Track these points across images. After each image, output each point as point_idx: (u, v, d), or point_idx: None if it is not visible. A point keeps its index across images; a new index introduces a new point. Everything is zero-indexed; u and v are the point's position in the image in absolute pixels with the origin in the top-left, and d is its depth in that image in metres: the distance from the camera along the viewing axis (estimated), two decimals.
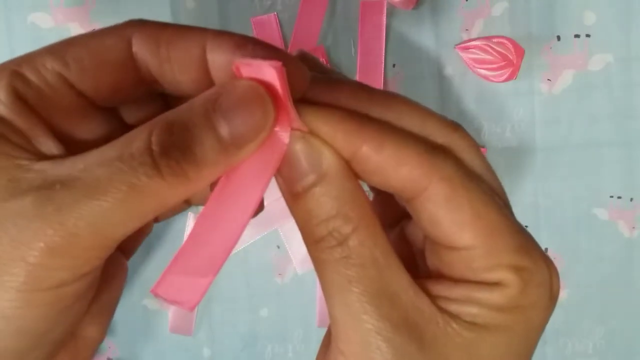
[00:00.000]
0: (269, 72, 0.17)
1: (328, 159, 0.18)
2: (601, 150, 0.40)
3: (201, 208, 0.19)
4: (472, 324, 0.18)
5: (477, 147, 0.19)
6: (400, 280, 0.18)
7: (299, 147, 0.18)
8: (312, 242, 0.19)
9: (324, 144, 0.18)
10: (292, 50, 0.40)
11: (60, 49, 0.19)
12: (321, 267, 0.19)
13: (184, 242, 0.18)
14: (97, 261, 0.18)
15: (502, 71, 0.38)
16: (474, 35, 0.40)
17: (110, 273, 0.23)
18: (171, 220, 0.42)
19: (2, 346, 0.17)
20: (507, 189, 0.20)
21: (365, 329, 0.18)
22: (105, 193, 0.16)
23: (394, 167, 0.18)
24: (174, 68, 0.19)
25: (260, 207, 0.21)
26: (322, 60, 0.39)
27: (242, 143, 0.17)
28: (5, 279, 0.16)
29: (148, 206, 0.17)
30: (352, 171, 0.18)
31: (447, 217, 0.18)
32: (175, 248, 0.42)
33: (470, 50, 0.39)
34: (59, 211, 0.16)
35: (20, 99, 0.18)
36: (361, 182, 0.19)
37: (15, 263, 0.16)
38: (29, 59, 0.18)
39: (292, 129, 0.18)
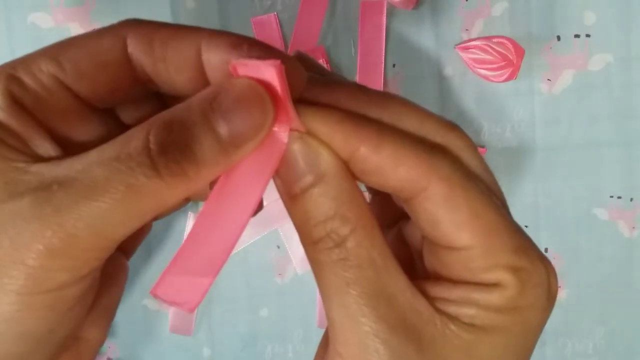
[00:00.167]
0: (267, 71, 0.17)
1: (326, 160, 0.18)
2: (601, 150, 0.40)
3: (201, 204, 0.19)
4: (470, 325, 0.18)
5: (474, 147, 0.19)
6: (397, 281, 0.18)
7: (297, 148, 0.18)
8: (310, 243, 0.19)
9: (321, 145, 0.18)
10: (292, 50, 0.40)
11: (56, 52, 0.19)
12: (318, 269, 0.19)
13: (183, 242, 0.18)
14: (97, 262, 0.18)
15: (502, 71, 0.38)
16: (474, 35, 0.40)
17: (110, 274, 0.22)
18: (171, 220, 0.42)
19: (3, 350, 0.17)
20: (507, 189, 0.20)
21: (362, 331, 0.18)
22: (104, 194, 0.16)
23: (392, 168, 0.18)
24: (169, 68, 0.19)
25: (260, 207, 0.21)
26: (322, 60, 0.39)
27: (241, 142, 0.17)
28: (5, 282, 0.16)
29: (147, 206, 0.17)
30: (350, 172, 0.18)
31: (446, 217, 0.18)
32: (176, 248, 0.42)
33: (470, 50, 0.39)
34: (58, 212, 0.16)
35: (16, 102, 0.18)
36: (359, 183, 0.19)
37: (14, 265, 0.16)
38: (24, 62, 0.18)
39: (290, 129, 0.18)
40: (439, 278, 0.19)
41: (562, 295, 0.41)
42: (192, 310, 0.18)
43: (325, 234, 0.18)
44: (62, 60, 0.18)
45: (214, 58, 0.18)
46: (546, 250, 0.41)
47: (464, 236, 0.18)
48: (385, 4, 0.39)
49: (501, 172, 0.40)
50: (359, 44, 0.40)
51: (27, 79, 0.18)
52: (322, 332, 0.21)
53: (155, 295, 0.18)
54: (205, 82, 0.19)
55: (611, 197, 0.40)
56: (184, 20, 0.40)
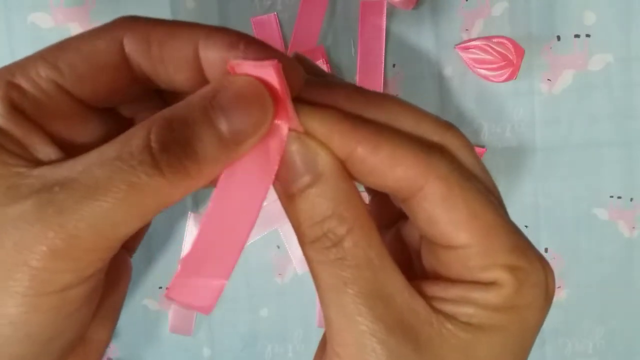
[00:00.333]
0: (265, 69, 0.17)
1: (324, 160, 0.18)
2: (601, 150, 0.40)
3: (203, 205, 0.19)
4: (467, 325, 0.18)
5: (471, 146, 0.19)
6: (395, 281, 0.18)
7: (295, 148, 0.18)
8: (307, 243, 0.19)
9: (319, 145, 0.18)
10: (292, 50, 0.40)
11: (53, 55, 0.19)
12: (316, 269, 0.19)
13: (192, 242, 0.18)
14: (100, 263, 0.18)
15: (502, 71, 0.38)
16: (474, 35, 0.40)
17: (115, 274, 0.22)
18: (171, 220, 0.42)
19: (10, 352, 0.17)
20: (507, 189, 0.20)
21: (360, 331, 0.18)
22: (105, 193, 0.16)
23: (390, 168, 0.18)
24: (167, 68, 0.19)
25: None
26: (322, 60, 0.39)
27: (242, 139, 0.17)
28: (10, 284, 0.16)
29: (149, 205, 0.17)
30: (347, 172, 0.18)
31: (444, 216, 0.18)
32: (176, 248, 0.42)
33: (470, 50, 0.39)
34: (60, 213, 0.16)
35: (16, 109, 0.18)
36: (357, 184, 0.19)
37: (18, 268, 0.16)
38: (22, 67, 0.18)
39: (289, 129, 0.18)
40: (436, 277, 0.19)
41: (562, 295, 0.41)
42: (208, 312, 0.18)
43: (323, 233, 0.18)
44: (60, 64, 0.18)
45: (211, 57, 0.18)
46: (546, 250, 0.41)
47: (462, 235, 0.18)
48: (385, 4, 0.39)
49: (501, 172, 0.40)
50: (359, 44, 0.40)
51: (26, 85, 0.18)
52: (322, 332, 0.21)
53: (170, 298, 0.18)
54: (204, 80, 0.19)
55: (611, 197, 0.40)
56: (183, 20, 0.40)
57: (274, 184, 0.19)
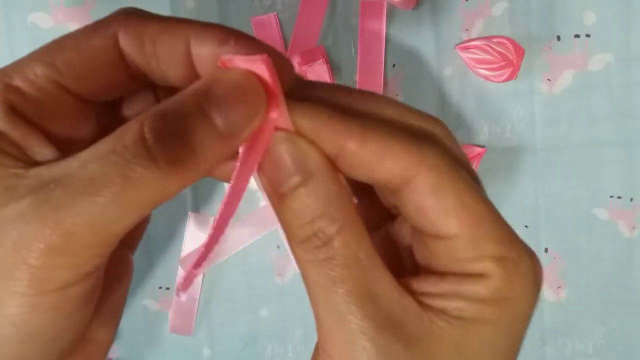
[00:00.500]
0: (256, 63, 0.17)
1: (314, 160, 0.18)
2: (601, 150, 0.40)
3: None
4: (458, 319, 0.18)
5: (455, 137, 0.20)
6: (384, 280, 0.18)
7: (285, 148, 0.18)
8: (297, 242, 0.19)
9: (309, 145, 0.18)
10: (292, 50, 0.40)
11: (50, 55, 0.19)
12: (305, 268, 0.19)
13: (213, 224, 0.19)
14: (99, 259, 0.18)
15: (502, 71, 0.38)
16: (474, 35, 0.40)
17: (116, 273, 0.22)
18: (171, 221, 0.42)
19: (11, 353, 0.17)
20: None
21: (350, 330, 0.18)
22: (101, 188, 0.16)
23: (380, 160, 0.18)
24: (161, 65, 0.19)
25: None
26: (322, 60, 0.39)
27: (236, 130, 0.17)
28: (10, 284, 0.16)
29: (144, 198, 0.17)
30: (337, 168, 0.19)
31: (433, 205, 0.18)
32: (176, 248, 0.42)
33: (470, 50, 0.39)
34: (56, 210, 0.16)
35: (14, 110, 0.18)
36: (344, 185, 0.19)
37: (17, 267, 0.16)
38: (20, 68, 0.18)
39: (277, 128, 0.18)
40: (426, 273, 0.19)
41: (562, 295, 0.41)
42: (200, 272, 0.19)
43: (312, 233, 0.18)
44: (57, 62, 0.19)
45: (203, 53, 0.19)
46: (546, 250, 0.41)
47: (451, 224, 0.18)
48: (385, 4, 0.39)
49: (501, 172, 0.40)
50: (359, 44, 0.40)
51: (23, 86, 0.18)
52: None
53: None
54: (198, 77, 0.19)
55: (611, 197, 0.40)
56: None
57: (263, 184, 0.19)
